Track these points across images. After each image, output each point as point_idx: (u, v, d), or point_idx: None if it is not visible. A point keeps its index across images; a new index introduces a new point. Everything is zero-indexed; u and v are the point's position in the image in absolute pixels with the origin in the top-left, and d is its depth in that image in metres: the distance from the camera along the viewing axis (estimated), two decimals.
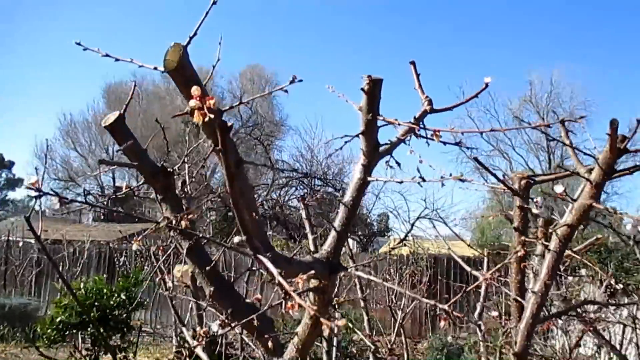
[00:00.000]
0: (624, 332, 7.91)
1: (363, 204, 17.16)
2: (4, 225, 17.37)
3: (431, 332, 11.11)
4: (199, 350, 2.44)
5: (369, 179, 1.33)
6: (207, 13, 1.16)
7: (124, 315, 7.61)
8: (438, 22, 45.35)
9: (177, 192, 1.82)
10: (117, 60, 1.13)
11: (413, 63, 1.50)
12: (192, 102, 0.89)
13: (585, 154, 1.59)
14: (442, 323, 1.15)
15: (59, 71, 50.29)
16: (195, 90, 0.88)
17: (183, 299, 2.78)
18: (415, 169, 1.40)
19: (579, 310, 3.02)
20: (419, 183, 1.23)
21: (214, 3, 1.16)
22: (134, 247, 1.62)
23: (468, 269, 3.04)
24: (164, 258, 2.15)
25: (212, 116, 0.85)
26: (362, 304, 3.05)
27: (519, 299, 1.81)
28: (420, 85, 1.47)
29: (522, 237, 1.92)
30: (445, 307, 1.06)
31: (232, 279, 1.81)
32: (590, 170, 1.70)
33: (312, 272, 0.97)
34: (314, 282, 1.35)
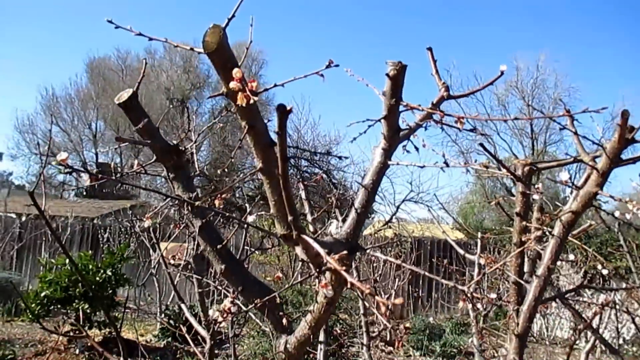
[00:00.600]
0: (601, 316, 8.14)
1: (348, 186, 17.24)
2: None
3: (413, 313, 11.31)
4: (196, 324, 2.47)
5: (389, 162, 1.36)
6: None
7: (110, 291, 7.63)
8: (424, 4, 45.20)
9: (189, 172, 1.83)
10: (150, 39, 1.13)
11: (430, 49, 1.52)
12: (233, 84, 0.90)
13: (595, 143, 1.64)
14: (461, 304, 1.19)
15: (40, 44, 49.15)
16: (236, 72, 0.89)
17: (171, 273, 2.80)
18: (416, 154, 1.43)
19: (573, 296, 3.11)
20: (441, 169, 1.26)
21: None
22: (146, 223, 1.64)
23: (461, 251, 3.11)
24: (173, 237, 2.16)
25: (255, 98, 0.87)
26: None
27: (520, 281, 1.87)
28: (437, 71, 1.49)
29: (524, 223, 1.97)
30: (465, 288, 1.09)
31: (243, 258, 1.84)
32: (594, 158, 1.75)
33: (345, 252, 1.00)
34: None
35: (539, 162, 2.02)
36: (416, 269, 1.16)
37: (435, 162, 1.27)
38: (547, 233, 1.79)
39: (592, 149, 1.94)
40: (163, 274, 8.62)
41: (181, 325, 2.57)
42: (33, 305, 7.14)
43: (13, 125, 32.30)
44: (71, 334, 7.11)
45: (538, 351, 9.21)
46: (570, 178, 1.72)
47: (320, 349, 2.78)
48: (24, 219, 12.85)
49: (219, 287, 2.14)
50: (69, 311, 7.48)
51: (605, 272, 3.36)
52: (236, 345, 7.33)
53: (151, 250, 8.20)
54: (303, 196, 2.93)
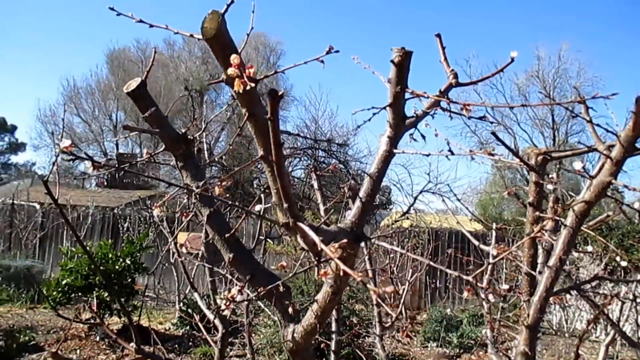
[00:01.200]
0: (621, 309, 8.03)
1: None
2: (8, 188, 17.45)
3: (430, 304, 11.27)
4: (209, 313, 2.49)
5: (394, 151, 1.34)
6: None
7: (129, 280, 7.74)
8: None
9: (198, 161, 1.84)
10: (151, 26, 1.13)
11: (439, 35, 1.49)
12: (231, 71, 0.89)
13: (608, 131, 1.60)
14: (466, 294, 1.17)
15: (62, 35, 49.80)
16: (234, 58, 0.88)
17: (189, 262, 2.82)
18: (431, 144, 1.40)
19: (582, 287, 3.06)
20: (447, 157, 1.24)
21: None
22: (155, 212, 1.64)
23: (476, 242, 3.08)
24: (183, 225, 2.17)
25: (252, 85, 0.86)
26: (369, 274, 3.09)
27: (532, 272, 1.84)
28: (445, 58, 1.47)
29: (537, 213, 1.93)
30: (470, 278, 1.08)
31: (252, 247, 1.84)
32: (609, 147, 1.71)
33: (345, 241, 0.99)
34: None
35: (553, 151, 1.98)
36: (421, 258, 1.15)
37: (440, 150, 1.25)
38: (561, 223, 1.76)
39: (612, 138, 1.89)
40: (180, 263, 8.70)
41: (194, 314, 2.59)
42: (54, 292, 7.28)
43: (35, 116, 32.82)
44: (91, 321, 7.24)
45: (557, 343, 9.11)
46: (584, 167, 1.68)
47: (332, 339, 2.78)
48: (46, 208, 13.08)
49: (229, 276, 2.15)
50: (89, 299, 7.61)
51: (624, 264, 3.29)
52: (252, 335, 7.40)
53: (177, 242, 8.31)
54: (315, 186, 2.92)
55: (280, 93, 0.79)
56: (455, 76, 1.42)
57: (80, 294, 7.43)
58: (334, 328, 2.78)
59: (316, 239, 0.87)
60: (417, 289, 11.68)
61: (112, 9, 1.14)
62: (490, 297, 2.30)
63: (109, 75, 30.82)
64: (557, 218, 1.71)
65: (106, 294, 7.26)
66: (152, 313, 9.91)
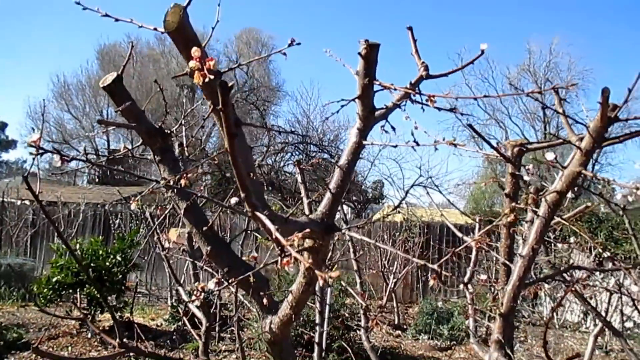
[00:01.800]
0: (609, 299, 8.12)
1: (358, 171, 17.22)
2: None
3: (422, 297, 11.33)
4: (193, 307, 2.51)
5: (364, 142, 1.35)
6: None
7: (120, 276, 7.73)
8: None
9: (175, 154, 1.84)
10: (116, 20, 1.13)
11: (410, 28, 1.51)
12: (192, 63, 0.90)
13: (577, 122, 1.62)
14: (432, 282, 1.19)
15: (51, 31, 49.45)
16: (195, 51, 0.89)
17: (179, 258, 2.84)
18: (412, 136, 1.42)
19: (566, 276, 3.10)
20: (412, 147, 1.25)
21: None
22: (132, 206, 1.65)
23: (460, 234, 3.10)
24: (160, 220, 2.19)
25: (212, 77, 0.87)
26: (354, 266, 3.11)
27: (508, 262, 1.87)
28: (417, 50, 1.48)
29: (513, 204, 1.96)
30: (435, 266, 1.10)
31: (228, 240, 1.85)
32: (581, 139, 1.73)
33: (308, 230, 1.01)
34: (308, 242, 1.39)
35: (528, 143, 2.00)
36: (390, 247, 1.16)
37: (407, 141, 1.26)
38: (535, 213, 1.78)
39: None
40: (173, 259, 8.74)
41: (183, 309, 2.61)
42: (45, 290, 7.26)
43: (26, 113, 32.61)
44: (75, 316, 7.23)
45: (547, 335, 9.17)
46: (556, 159, 1.70)
47: (316, 331, 2.80)
48: (37, 205, 13.02)
49: (208, 269, 2.16)
50: (81, 296, 7.60)
51: (606, 254, 3.32)
52: (245, 329, 7.42)
53: (161, 236, 8.30)
54: (299, 179, 2.93)
55: (230, 84, 0.80)
56: (426, 68, 1.43)
57: (71, 291, 7.41)
58: (317, 320, 2.80)
59: (272, 227, 0.89)
60: (408, 282, 11.73)
61: (77, 3, 1.14)
62: (470, 287, 2.33)
63: (100, 71, 30.64)
64: (530, 208, 1.73)
65: (98, 290, 7.25)
66: (144, 309, 9.91)
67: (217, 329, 7.38)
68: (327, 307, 4.15)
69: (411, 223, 12.13)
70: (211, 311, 6.84)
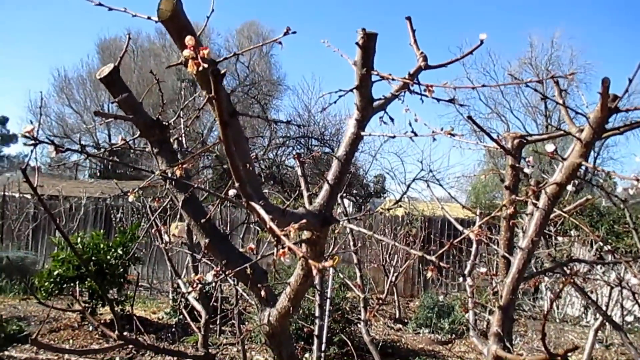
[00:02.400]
0: (610, 294, 8.11)
1: (360, 165, 17.21)
2: (0, 180, 17.38)
3: (423, 291, 11.33)
4: (192, 300, 2.51)
5: (362, 133, 1.34)
6: None
7: (121, 270, 7.74)
8: None
9: (173, 146, 1.84)
10: (110, 9, 1.12)
11: (409, 18, 1.49)
12: (186, 52, 0.89)
13: (578, 113, 1.61)
14: (430, 273, 1.18)
15: (52, 25, 49.38)
16: (189, 39, 0.88)
17: (178, 251, 2.84)
18: (409, 127, 1.41)
19: (566, 270, 3.09)
20: (411, 138, 1.24)
21: None
22: (130, 198, 1.65)
23: (460, 228, 3.10)
24: (158, 212, 2.18)
25: (205, 66, 0.86)
26: (354, 259, 3.10)
27: (507, 255, 1.86)
28: (415, 41, 1.47)
29: (513, 196, 1.95)
30: (433, 258, 1.09)
31: (228, 233, 1.84)
32: (581, 130, 1.72)
33: (304, 221, 1.00)
34: (306, 234, 1.38)
35: (529, 135, 1.99)
36: (388, 240, 1.16)
37: (405, 131, 1.25)
38: (534, 205, 1.77)
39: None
40: (174, 252, 8.76)
41: (179, 301, 2.61)
42: (46, 283, 7.28)
43: (26, 107, 32.62)
44: (73, 308, 7.24)
45: (548, 328, 9.20)
46: (556, 150, 1.69)
47: (316, 324, 2.80)
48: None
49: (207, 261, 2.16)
50: (82, 289, 7.62)
51: (607, 248, 3.32)
52: (245, 323, 7.44)
53: (162, 230, 8.31)
54: (299, 172, 2.92)
55: (222, 71, 0.79)
56: (425, 59, 1.42)
57: (72, 284, 7.42)
58: (317, 313, 2.79)
59: (266, 217, 0.88)
60: (409, 275, 11.74)
61: None
62: (469, 280, 2.32)
63: (100, 65, 30.56)
64: (530, 200, 1.72)
65: (100, 284, 7.27)
66: (145, 303, 9.93)
67: (218, 322, 7.40)
68: (328, 300, 4.16)
69: (412, 217, 12.14)
70: (212, 304, 6.86)
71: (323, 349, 3.39)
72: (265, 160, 16.87)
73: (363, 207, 17.88)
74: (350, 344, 4.36)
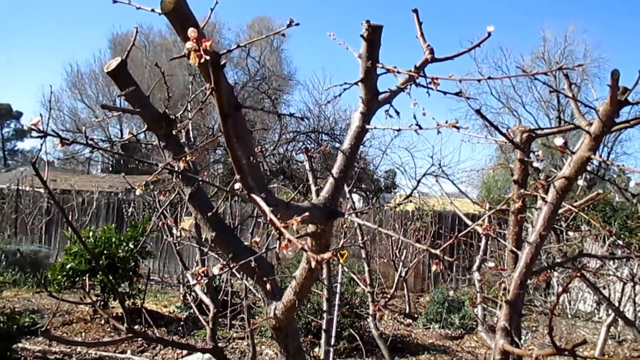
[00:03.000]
0: (623, 289, 8.04)
1: (370, 160, 17.17)
2: (14, 174, 17.57)
3: (433, 286, 11.31)
4: (200, 293, 2.52)
5: (367, 127, 1.34)
6: None
7: (132, 264, 7.80)
8: None
9: (181, 140, 1.84)
10: (115, 1, 1.12)
11: (415, 11, 1.48)
12: (189, 44, 0.89)
13: (587, 106, 1.58)
14: (435, 267, 1.18)
15: (66, 21, 49.74)
16: (192, 31, 0.88)
17: (188, 245, 2.85)
18: (414, 119, 1.40)
19: (577, 265, 3.06)
20: (416, 131, 1.23)
21: None
22: (137, 192, 1.66)
23: (470, 223, 3.08)
24: (165, 205, 2.20)
25: (207, 58, 0.85)
26: (363, 254, 3.10)
27: (515, 250, 1.84)
28: (422, 33, 1.45)
29: (522, 190, 1.93)
30: (437, 252, 1.08)
31: (234, 226, 1.85)
32: (591, 124, 1.70)
33: (307, 214, 1.00)
34: (311, 228, 1.38)
35: (538, 129, 1.97)
36: (393, 233, 1.15)
37: (410, 124, 1.24)
38: (543, 199, 1.75)
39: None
40: (185, 246, 8.81)
41: (187, 294, 2.62)
42: (59, 277, 7.35)
43: (39, 102, 32.94)
44: (84, 301, 7.30)
45: (559, 324, 9.14)
46: (565, 144, 1.67)
47: (324, 318, 2.80)
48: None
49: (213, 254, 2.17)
50: (94, 283, 7.69)
51: (620, 242, 3.29)
52: (256, 317, 7.47)
53: (170, 224, 8.34)
54: (307, 166, 2.92)
55: (223, 62, 0.79)
56: (431, 51, 1.41)
57: (84, 277, 7.49)
58: (325, 307, 2.80)
59: (266, 209, 0.88)
60: (419, 271, 11.72)
61: None
62: (477, 275, 2.31)
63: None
64: (539, 194, 1.71)
65: (110, 277, 7.33)
66: (156, 296, 10.01)
67: (228, 316, 7.44)
68: (338, 295, 4.16)
69: (423, 212, 12.10)
70: (222, 298, 6.89)
71: (332, 343, 3.39)
72: (276, 155, 16.89)
73: (373, 202, 17.84)
74: (359, 339, 4.36)
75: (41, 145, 1.57)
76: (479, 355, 7.21)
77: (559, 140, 1.63)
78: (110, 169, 25.12)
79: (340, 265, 4.55)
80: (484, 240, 3.03)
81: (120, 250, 7.55)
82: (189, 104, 1.77)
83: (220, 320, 7.64)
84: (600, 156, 1.53)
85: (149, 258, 8.66)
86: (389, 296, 2.87)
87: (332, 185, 1.34)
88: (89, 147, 1.23)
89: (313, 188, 2.90)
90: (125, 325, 2.16)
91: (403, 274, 9.07)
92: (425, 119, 1.38)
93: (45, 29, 50.54)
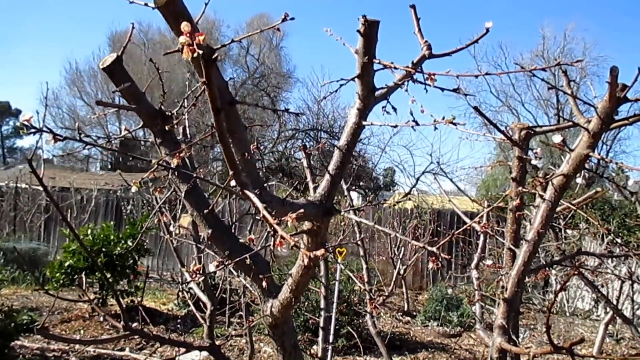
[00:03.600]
0: (621, 287, 8.04)
1: (369, 158, 17.16)
2: (13, 172, 17.54)
3: (432, 284, 11.31)
4: (198, 291, 2.51)
5: (364, 123, 1.33)
6: None
7: (131, 261, 7.79)
8: None
9: (178, 137, 1.83)
10: None
11: (413, 7, 1.47)
12: (182, 39, 0.88)
13: (586, 103, 1.57)
14: (431, 265, 1.17)
15: (65, 19, 49.67)
16: (185, 25, 0.86)
17: (184, 242, 2.84)
18: (411, 115, 1.39)
19: (574, 262, 3.06)
20: (412, 127, 1.22)
21: None
22: (133, 189, 1.64)
23: (468, 220, 3.07)
24: (162, 202, 2.19)
25: (200, 52, 0.84)
26: (361, 251, 3.09)
27: (513, 247, 1.83)
28: (420, 29, 1.44)
29: (520, 188, 1.92)
30: (434, 249, 1.07)
31: (231, 224, 1.84)
32: (589, 121, 1.69)
33: (302, 211, 0.99)
34: (307, 225, 1.37)
35: (536, 126, 1.96)
36: (389, 230, 1.14)
37: (407, 121, 1.23)
38: (541, 197, 1.74)
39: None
40: (184, 244, 8.80)
41: (184, 291, 2.62)
42: (58, 274, 7.34)
43: (38, 100, 32.89)
44: (94, 302, 7.30)
45: (558, 322, 9.15)
46: (563, 141, 1.66)
47: (320, 315, 2.80)
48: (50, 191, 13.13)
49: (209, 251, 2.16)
50: (93, 280, 7.68)
51: (618, 240, 3.29)
52: (255, 314, 7.46)
53: (167, 221, 8.33)
54: (305, 164, 2.91)
55: (214, 56, 0.78)
56: (429, 47, 1.40)
57: (83, 275, 7.48)
58: (322, 305, 2.79)
59: (260, 205, 0.87)
60: (418, 268, 11.72)
61: None
62: (475, 273, 2.30)
63: None
64: (537, 191, 1.70)
65: (108, 275, 7.32)
66: (155, 294, 10.00)
67: (226, 314, 7.44)
68: (336, 292, 4.16)
69: (421, 210, 12.09)
70: (220, 296, 6.88)
71: (330, 341, 3.39)
72: (275, 153, 16.87)
73: (369, 199, 17.84)
74: (357, 337, 4.35)
75: (37, 142, 1.55)
76: (477, 353, 7.22)
77: (557, 138, 1.62)
78: (110, 166, 25.09)
79: (338, 263, 4.55)
80: (482, 238, 3.02)
81: (119, 248, 7.54)
82: (185, 100, 1.76)
83: (218, 318, 7.64)
84: (599, 154, 1.52)
85: (147, 256, 8.66)
86: (387, 294, 2.86)
87: (329, 182, 1.34)
88: (83, 142, 1.22)
89: (311, 185, 2.89)
90: (123, 322, 2.15)
91: (401, 272, 9.06)
92: (424, 116, 1.37)
93: (45, 26, 50.48)
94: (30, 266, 10.23)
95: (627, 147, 26.14)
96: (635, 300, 8.14)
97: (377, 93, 1.36)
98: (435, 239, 11.27)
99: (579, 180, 2.07)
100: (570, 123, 1.86)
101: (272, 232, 0.95)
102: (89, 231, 7.78)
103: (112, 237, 7.67)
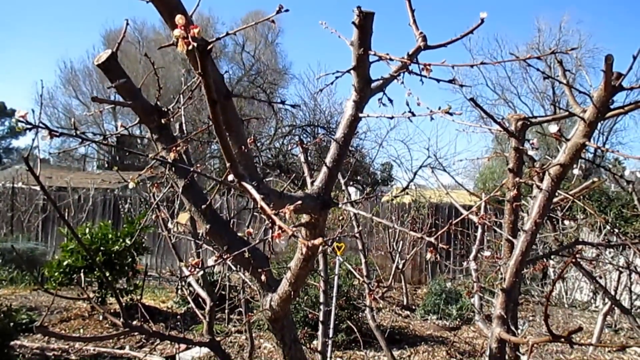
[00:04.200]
0: (619, 278, 8.07)
1: (366, 153, 17.16)
2: (9, 172, 17.50)
3: (431, 277, 11.34)
4: (197, 287, 2.51)
5: (360, 115, 1.32)
6: None
7: (129, 260, 7.79)
8: None
9: (174, 133, 1.83)
10: None
11: None
12: (177, 32, 0.88)
13: (582, 92, 1.58)
14: (429, 255, 1.17)
15: (59, 18, 49.46)
16: (179, 18, 0.86)
17: (182, 239, 2.84)
18: (407, 106, 1.38)
19: (572, 253, 3.07)
20: (409, 118, 1.22)
21: None
22: (130, 185, 1.64)
23: (464, 211, 3.08)
24: (159, 199, 2.18)
25: (195, 44, 0.84)
26: (359, 245, 3.10)
27: (511, 238, 1.84)
28: (414, 21, 1.44)
29: (517, 179, 1.92)
30: (432, 239, 1.07)
31: (229, 219, 1.84)
32: (585, 110, 1.69)
33: (300, 203, 0.99)
34: (305, 218, 1.37)
35: (532, 117, 1.96)
36: (386, 221, 1.14)
37: (403, 112, 1.23)
38: (537, 187, 1.75)
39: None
40: (183, 242, 8.79)
41: (183, 287, 2.62)
42: (56, 274, 7.34)
43: (33, 99, 32.77)
44: (93, 300, 7.29)
45: (556, 314, 9.18)
46: (559, 131, 1.66)
47: (320, 310, 2.80)
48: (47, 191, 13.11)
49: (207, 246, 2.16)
50: (92, 279, 7.68)
51: (615, 231, 3.29)
52: (254, 310, 7.48)
53: (169, 220, 8.33)
54: (302, 159, 2.90)
55: (209, 47, 0.77)
56: (424, 39, 1.39)
57: (82, 274, 7.48)
58: (321, 299, 2.79)
59: (257, 197, 0.87)
60: (417, 262, 11.74)
61: None
62: (472, 264, 2.31)
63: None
64: (534, 181, 1.70)
65: (107, 274, 7.32)
66: (155, 292, 10.01)
67: (226, 310, 7.45)
68: (335, 287, 4.16)
69: (419, 204, 12.11)
70: (220, 293, 6.89)
71: (330, 335, 3.40)
72: (272, 149, 16.86)
73: (370, 194, 17.84)
74: (357, 331, 4.36)
75: (33, 140, 1.55)
76: (477, 346, 7.24)
77: (553, 128, 1.62)
78: (107, 165, 25.05)
79: (337, 258, 4.55)
80: (480, 229, 3.03)
81: (117, 246, 7.54)
82: (180, 95, 1.75)
83: (218, 315, 7.65)
84: (596, 144, 1.53)
85: (146, 254, 8.66)
86: (385, 287, 2.87)
87: (326, 174, 1.34)
88: (79, 138, 1.21)
89: (308, 180, 2.89)
90: (122, 319, 2.15)
91: (400, 266, 9.09)
92: (420, 108, 1.37)
93: (39, 26, 50.27)
94: (28, 266, 10.21)
95: (623, 139, 26.23)
96: (633, 290, 8.18)
97: (373, 85, 1.36)
98: (434, 229, 11.30)
99: (575, 171, 2.07)
100: (567, 113, 1.86)
101: (270, 225, 0.95)
102: (87, 230, 7.77)
103: (110, 235, 7.66)
